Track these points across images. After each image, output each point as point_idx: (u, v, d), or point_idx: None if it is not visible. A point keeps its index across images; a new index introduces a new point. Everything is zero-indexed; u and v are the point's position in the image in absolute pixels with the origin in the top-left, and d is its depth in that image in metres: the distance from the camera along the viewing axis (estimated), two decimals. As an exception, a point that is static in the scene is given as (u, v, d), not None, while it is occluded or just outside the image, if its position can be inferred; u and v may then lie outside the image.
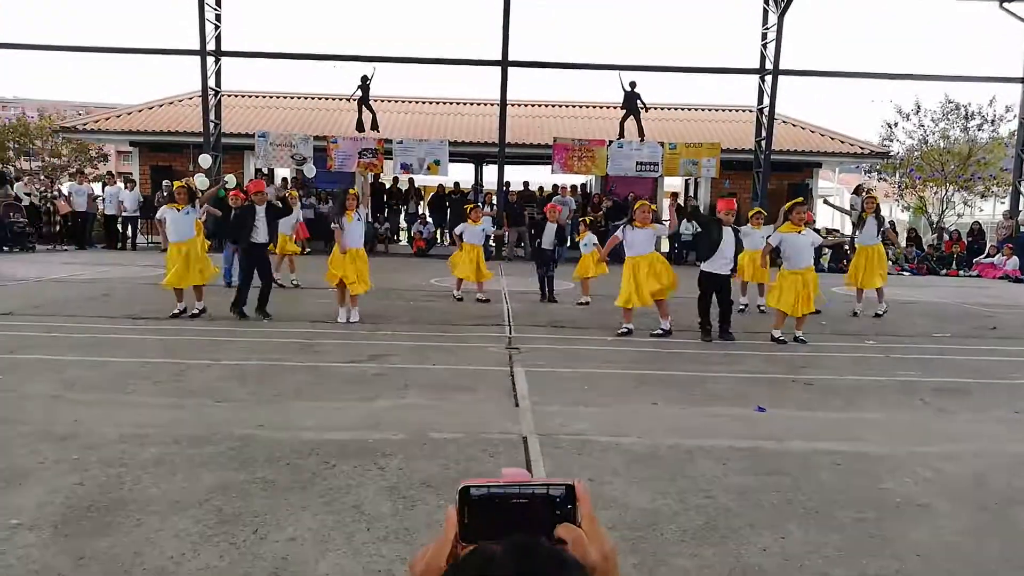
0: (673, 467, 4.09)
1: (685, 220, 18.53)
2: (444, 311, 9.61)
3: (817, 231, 9.54)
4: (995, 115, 22.00)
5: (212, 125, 18.74)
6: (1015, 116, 19.86)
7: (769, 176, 18.71)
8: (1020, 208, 18.62)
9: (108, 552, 2.91)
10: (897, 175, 23.72)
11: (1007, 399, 5.79)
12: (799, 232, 8.00)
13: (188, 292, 8.56)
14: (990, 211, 26.38)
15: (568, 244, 18.75)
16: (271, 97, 23.72)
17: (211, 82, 18.54)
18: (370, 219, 19.96)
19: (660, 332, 8.03)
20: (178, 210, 8.54)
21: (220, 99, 19.31)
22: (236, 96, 22.45)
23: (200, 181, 13.11)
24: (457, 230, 11.05)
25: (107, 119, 21.27)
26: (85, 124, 21.39)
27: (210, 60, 18.38)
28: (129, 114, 21.51)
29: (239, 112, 21.66)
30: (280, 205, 8.96)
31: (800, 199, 8.62)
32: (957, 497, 3.76)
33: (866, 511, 3.56)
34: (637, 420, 5.01)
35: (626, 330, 8.07)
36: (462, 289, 10.78)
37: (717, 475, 3.99)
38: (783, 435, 4.72)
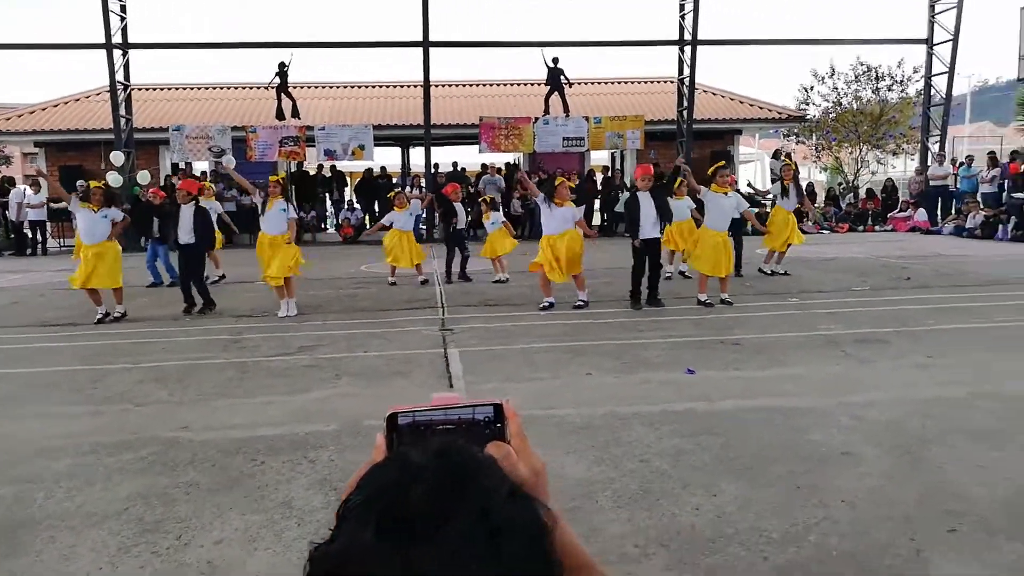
0: (608, 435, 4.11)
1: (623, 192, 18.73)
2: (375, 297, 9.47)
3: (740, 193, 9.72)
4: (903, 76, 22.80)
5: (123, 121, 17.96)
6: (922, 76, 20.60)
7: (692, 145, 18.99)
8: (928, 163, 19.39)
9: (18, 574, 2.75)
10: (814, 138, 24.38)
11: (922, 345, 6.02)
12: (725, 193, 8.17)
13: (108, 296, 8.19)
14: (902, 168, 27.37)
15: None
16: (185, 89, 22.86)
17: (119, 76, 17.73)
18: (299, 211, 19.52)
19: (580, 304, 8.10)
20: (94, 211, 8.14)
21: (130, 93, 18.50)
22: (147, 89, 21.54)
23: (113, 179, 12.57)
24: (385, 220, 10.92)
25: (8, 119, 20.13)
26: (-16, 126, 20.20)
27: (117, 53, 17.56)
28: (32, 113, 20.40)
29: (152, 106, 20.80)
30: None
31: (722, 163, 8.78)
32: (878, 443, 3.89)
33: (795, 464, 3.65)
34: (572, 391, 5.03)
35: (548, 304, 8.11)
36: (397, 274, 10.64)
37: (651, 440, 4.03)
38: (714, 396, 4.80)
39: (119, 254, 8.32)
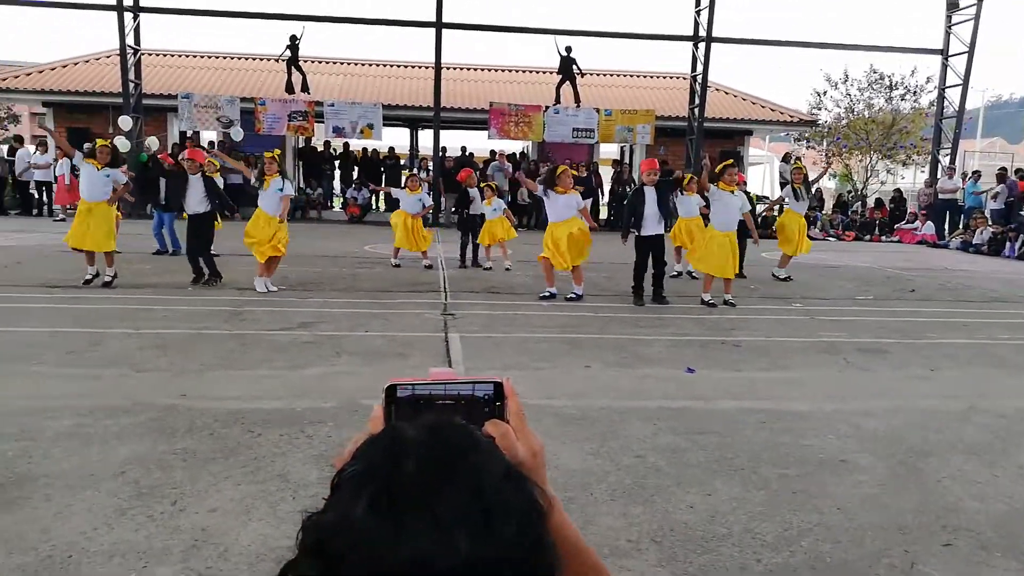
0: (605, 428, 4.11)
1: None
2: (379, 278, 9.45)
3: (748, 194, 9.70)
4: (916, 85, 22.72)
5: (132, 85, 17.88)
6: (935, 87, 20.52)
7: (702, 143, 18.93)
8: (938, 176, 19.35)
9: (11, 529, 2.76)
10: (824, 143, 24.32)
11: (924, 357, 6.02)
12: (732, 192, 8.11)
13: (100, 258, 8.15)
14: (911, 179, 27.31)
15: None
16: (195, 57, 22.72)
17: (129, 39, 17.63)
18: (302, 186, 19.45)
19: (573, 296, 8.08)
20: (97, 168, 8.10)
21: (140, 58, 18.41)
22: (158, 55, 21.44)
23: (121, 144, 12.53)
24: (394, 192, 11.04)
25: (16, 77, 20.03)
26: (-8, 82, 20.09)
27: (128, 16, 17.46)
28: (41, 72, 20.28)
29: (161, 72, 20.70)
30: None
31: (731, 161, 8.74)
32: (875, 452, 3.89)
33: (790, 467, 3.65)
34: (570, 383, 5.03)
35: (549, 294, 8.10)
36: (400, 256, 10.62)
37: (647, 435, 4.03)
38: (712, 395, 4.80)
39: (112, 217, 8.23)
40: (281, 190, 8.18)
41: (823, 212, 20.41)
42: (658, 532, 2.95)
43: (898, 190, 21.64)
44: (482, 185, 11.55)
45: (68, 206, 16.48)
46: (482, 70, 23.51)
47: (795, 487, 3.42)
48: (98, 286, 7.99)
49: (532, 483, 0.60)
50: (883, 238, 19.31)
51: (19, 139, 19.23)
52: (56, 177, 16.30)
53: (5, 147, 18.64)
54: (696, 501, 3.24)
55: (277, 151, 8.77)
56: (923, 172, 22.59)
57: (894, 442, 4.04)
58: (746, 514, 3.12)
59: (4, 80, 19.93)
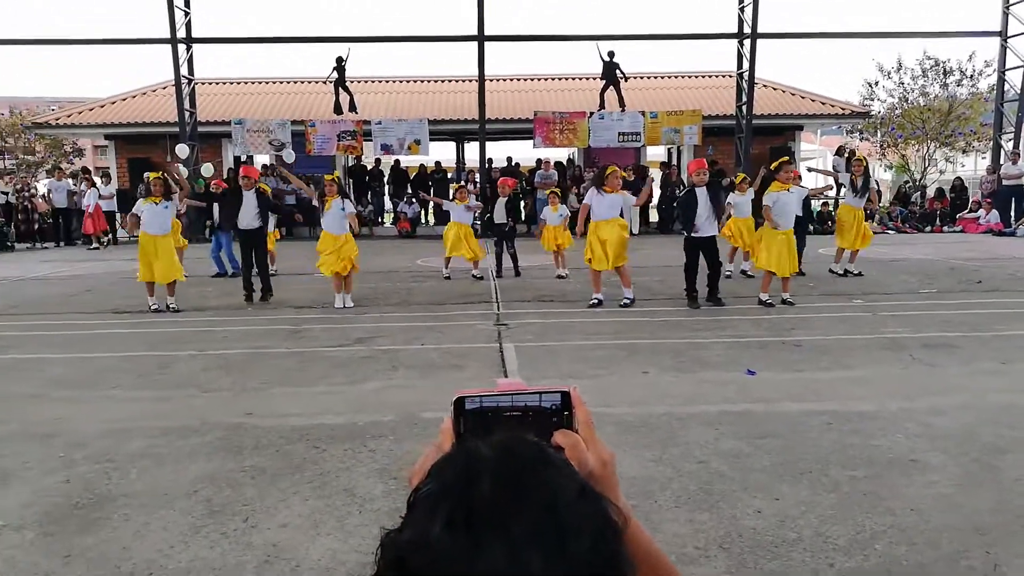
0: (665, 434, 4.07)
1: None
2: (431, 291, 9.55)
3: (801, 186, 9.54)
4: (974, 70, 22.00)
5: (187, 114, 18.48)
6: (994, 70, 19.84)
7: (751, 141, 18.64)
8: (1001, 162, 18.66)
9: (95, 548, 2.87)
10: (879, 134, 23.70)
11: (994, 351, 5.80)
12: (788, 190, 7.97)
13: (160, 288, 8.41)
14: (972, 166, 26.40)
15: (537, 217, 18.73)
16: (246, 83, 23.40)
17: (184, 70, 18.25)
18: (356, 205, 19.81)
19: (626, 301, 8.00)
20: (155, 203, 8.38)
21: (194, 87, 19.03)
22: (211, 83, 22.14)
23: (179, 172, 12.94)
24: (444, 205, 11.22)
25: (79, 112, 20.92)
26: (58, 119, 21.03)
27: (181, 48, 18.08)
28: (102, 107, 21.16)
29: (214, 100, 21.37)
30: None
31: (785, 158, 8.59)
32: (947, 450, 3.76)
33: (859, 469, 3.56)
34: (628, 389, 4.99)
35: (597, 300, 8.05)
36: (450, 268, 10.72)
37: (709, 440, 3.97)
38: (774, 397, 4.71)
39: (171, 249, 8.47)
40: (343, 209, 8.42)
41: (880, 205, 19.87)
42: (726, 538, 2.91)
43: (959, 179, 20.95)
44: (548, 192, 11.63)
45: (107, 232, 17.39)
46: (525, 80, 23.61)
47: (865, 489, 3.33)
48: (167, 312, 8.25)
49: (606, 499, 0.61)
50: (945, 229, 18.71)
51: (86, 171, 20.04)
52: (85, 206, 17.13)
53: (71, 180, 19.41)
54: (763, 506, 3.18)
55: (337, 173, 9.03)
56: (984, 159, 21.83)
57: (966, 440, 3.91)
58: (816, 518, 3.05)
59: (69, 116, 20.84)
